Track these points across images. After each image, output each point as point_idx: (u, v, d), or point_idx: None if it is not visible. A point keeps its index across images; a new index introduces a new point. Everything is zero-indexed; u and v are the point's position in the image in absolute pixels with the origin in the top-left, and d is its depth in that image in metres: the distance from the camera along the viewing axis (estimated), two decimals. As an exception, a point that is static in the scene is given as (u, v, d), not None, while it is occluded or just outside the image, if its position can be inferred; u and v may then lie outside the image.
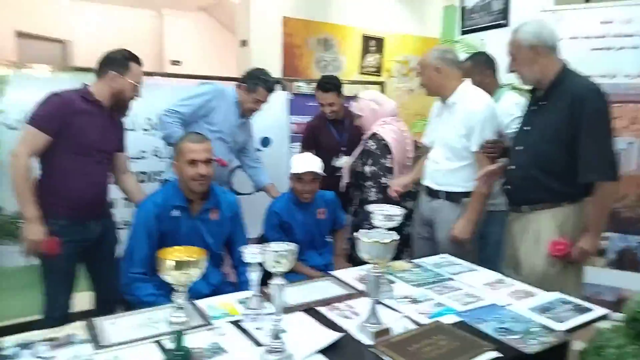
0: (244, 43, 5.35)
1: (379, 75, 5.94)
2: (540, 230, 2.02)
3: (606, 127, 1.91)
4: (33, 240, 1.96)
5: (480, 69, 2.68)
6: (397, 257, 2.56)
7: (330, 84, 3.05)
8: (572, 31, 3.18)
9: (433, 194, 2.43)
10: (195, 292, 1.74)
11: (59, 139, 2.00)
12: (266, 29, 5.05)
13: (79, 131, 2.03)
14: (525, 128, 2.11)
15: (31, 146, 1.96)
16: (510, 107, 2.50)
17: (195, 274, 1.17)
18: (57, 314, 2.09)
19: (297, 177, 2.37)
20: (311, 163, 2.36)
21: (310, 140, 3.23)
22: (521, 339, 1.43)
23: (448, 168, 2.36)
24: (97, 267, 2.24)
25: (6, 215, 2.24)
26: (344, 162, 2.95)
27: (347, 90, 3.27)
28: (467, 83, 2.39)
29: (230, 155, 2.73)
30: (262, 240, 2.06)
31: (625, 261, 3.12)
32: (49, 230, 2.00)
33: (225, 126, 2.64)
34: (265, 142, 3.21)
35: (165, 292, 1.85)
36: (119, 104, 2.18)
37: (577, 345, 1.68)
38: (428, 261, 2.17)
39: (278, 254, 1.23)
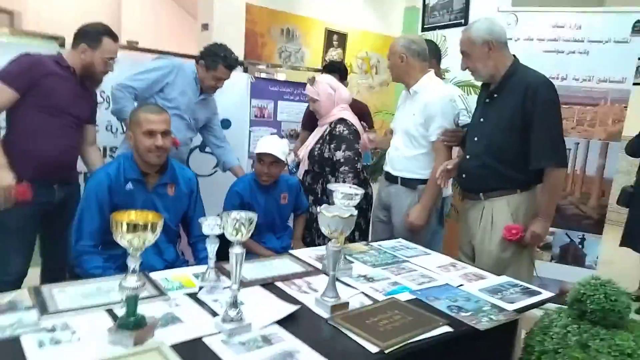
0: (205, 27, 5.24)
1: (341, 70, 5.98)
2: (494, 216, 2.10)
3: (556, 117, 2.02)
4: (4, 187, 1.93)
5: None
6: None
7: (334, 67, 3.19)
8: (527, 32, 3.31)
9: (391, 179, 2.48)
10: (149, 268, 1.69)
11: (28, 98, 2.01)
12: (229, 15, 4.97)
13: (49, 92, 2.05)
14: (480, 120, 2.18)
15: None
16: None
17: (149, 238, 1.14)
18: (9, 278, 2.01)
19: (258, 158, 2.33)
20: (273, 145, 2.32)
21: (309, 122, 3.25)
22: (473, 316, 1.48)
23: (406, 155, 2.41)
24: (52, 233, 2.20)
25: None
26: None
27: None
28: (431, 74, 2.44)
29: (188, 133, 2.64)
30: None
31: (568, 256, 3.29)
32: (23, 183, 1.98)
33: (183, 102, 2.55)
34: (226, 124, 3.15)
35: (114, 266, 1.80)
36: (90, 77, 2.19)
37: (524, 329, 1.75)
38: (384, 244, 2.20)
39: (238, 222, 1.22)
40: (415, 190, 2.39)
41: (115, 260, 1.82)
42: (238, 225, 1.21)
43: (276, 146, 2.32)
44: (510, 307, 1.58)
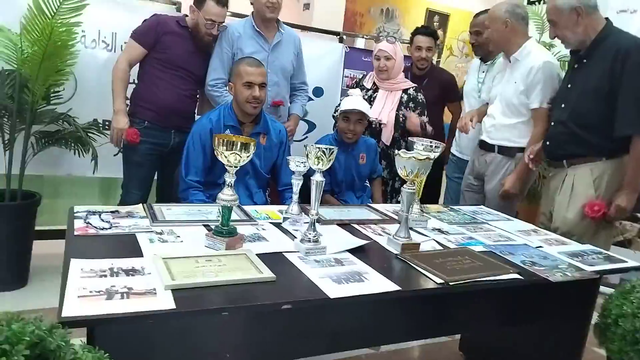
0: (306, 7, 5.44)
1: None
2: (575, 183, 2.04)
3: None
4: (118, 129, 2.32)
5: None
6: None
7: (431, 30, 3.15)
8: (621, 4, 3.07)
9: (487, 147, 2.47)
10: (241, 206, 1.88)
11: (152, 53, 2.38)
12: (330, -5, 5.13)
13: (167, 47, 2.37)
14: (567, 86, 2.12)
15: (129, 55, 2.37)
16: None
17: (243, 156, 1.30)
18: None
19: (344, 115, 2.42)
20: (360, 103, 2.41)
21: None
22: (546, 270, 1.48)
23: (503, 123, 2.39)
24: (166, 175, 2.51)
25: (80, 125, 2.45)
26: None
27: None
28: (532, 41, 2.39)
29: (281, 92, 2.66)
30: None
31: (672, 245, 3.03)
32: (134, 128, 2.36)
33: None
34: (318, 92, 3.29)
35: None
36: (199, 37, 2.42)
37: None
38: (464, 208, 2.23)
39: (319, 150, 1.34)
40: (513, 159, 2.38)
41: (215, 199, 2.04)
42: (320, 154, 1.34)
43: (363, 103, 2.41)
44: (589, 269, 1.55)
